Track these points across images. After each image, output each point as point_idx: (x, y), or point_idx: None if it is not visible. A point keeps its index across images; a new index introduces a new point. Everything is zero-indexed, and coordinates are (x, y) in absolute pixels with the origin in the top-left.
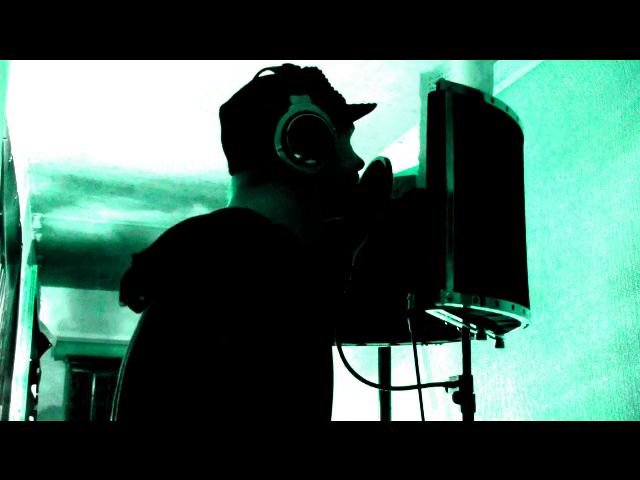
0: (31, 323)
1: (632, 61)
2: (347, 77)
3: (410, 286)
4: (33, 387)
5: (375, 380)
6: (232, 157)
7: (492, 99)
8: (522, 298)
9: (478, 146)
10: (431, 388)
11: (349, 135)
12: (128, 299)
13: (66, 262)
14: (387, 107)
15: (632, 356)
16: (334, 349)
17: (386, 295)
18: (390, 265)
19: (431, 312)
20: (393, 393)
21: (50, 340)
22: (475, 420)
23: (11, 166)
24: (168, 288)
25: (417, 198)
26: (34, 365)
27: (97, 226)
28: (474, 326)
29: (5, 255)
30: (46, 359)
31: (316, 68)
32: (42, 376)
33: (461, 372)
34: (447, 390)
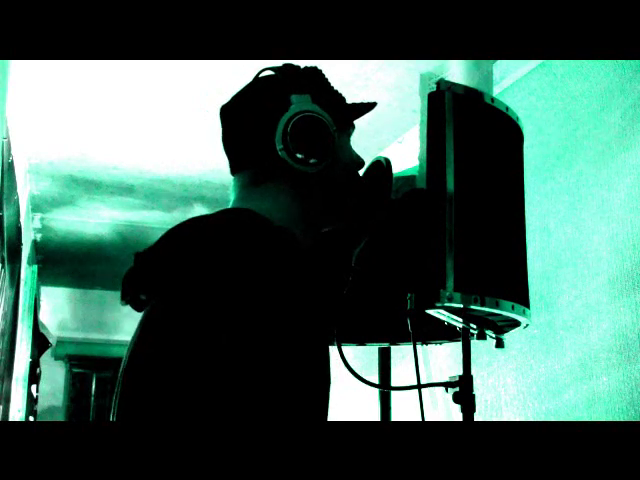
0: (31, 323)
1: (632, 61)
2: (347, 77)
3: (410, 286)
4: (33, 387)
5: (375, 380)
6: (233, 157)
7: (492, 99)
8: (522, 298)
9: (478, 146)
10: (431, 388)
11: (349, 134)
12: (129, 298)
13: (66, 262)
14: (387, 107)
15: (632, 356)
16: (334, 349)
17: (386, 295)
18: (390, 265)
19: (431, 312)
20: (393, 393)
21: (50, 340)
22: (475, 420)
23: (11, 166)
24: (169, 287)
25: (417, 198)
26: (34, 365)
27: (97, 226)
28: (474, 326)
29: (5, 255)
30: (46, 359)
31: (316, 68)
32: (42, 376)
33: (461, 372)
34: (447, 390)
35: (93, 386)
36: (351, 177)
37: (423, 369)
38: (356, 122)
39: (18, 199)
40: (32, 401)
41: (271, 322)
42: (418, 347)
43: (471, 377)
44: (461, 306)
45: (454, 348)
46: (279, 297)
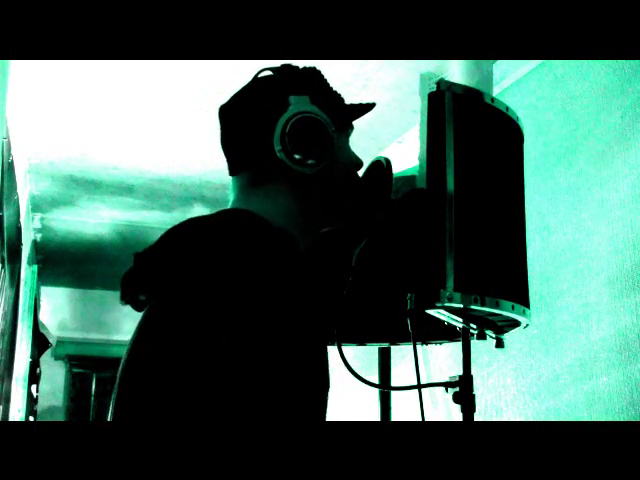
0: (31, 323)
1: (632, 61)
2: (347, 77)
3: (410, 286)
4: (33, 387)
5: (375, 380)
6: (232, 158)
7: (492, 99)
8: (522, 298)
9: (478, 146)
10: (431, 388)
11: (348, 135)
12: (129, 298)
13: (66, 262)
14: (387, 107)
15: (632, 356)
16: (334, 349)
17: (386, 295)
18: (390, 265)
19: (431, 312)
20: (393, 393)
21: (50, 340)
22: (475, 420)
23: (11, 166)
24: (168, 288)
25: (417, 198)
26: (34, 365)
27: (97, 226)
28: (474, 326)
29: (5, 255)
30: (46, 359)
31: (315, 68)
32: (42, 376)
33: (461, 372)
34: (447, 390)
35: (93, 386)
36: (350, 178)
37: (423, 369)
38: (356, 122)
39: (18, 199)
40: (32, 401)
41: (269, 323)
42: (418, 347)
43: (471, 377)
44: (461, 306)
45: (454, 348)
46: (277, 298)
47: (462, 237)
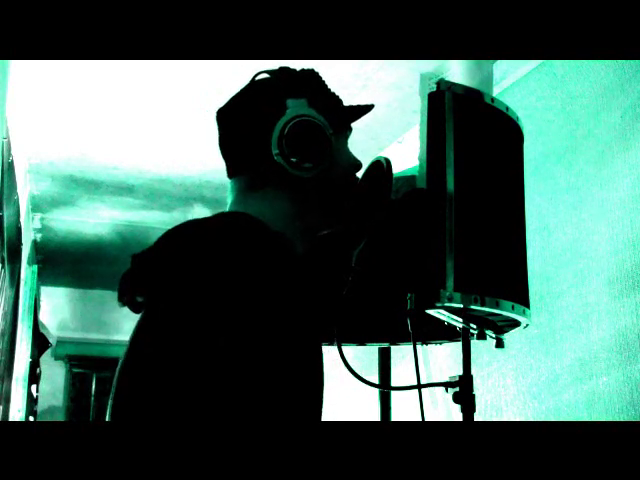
0: (31, 323)
1: (632, 61)
2: (347, 77)
3: (410, 286)
4: (33, 387)
5: (375, 380)
6: (230, 161)
7: (492, 99)
8: (522, 298)
9: (478, 146)
10: (431, 388)
11: (347, 137)
12: (126, 299)
13: (66, 262)
14: (387, 107)
15: (632, 356)
16: (334, 349)
17: (386, 295)
18: (390, 265)
19: (431, 312)
20: (393, 393)
21: (50, 340)
22: (475, 420)
23: (11, 166)
24: (166, 289)
25: (417, 198)
26: (34, 365)
27: (97, 226)
28: (474, 326)
29: (5, 255)
30: (46, 359)
31: (313, 70)
32: (42, 376)
33: (461, 372)
34: (447, 390)
35: (93, 386)
36: (349, 180)
37: (423, 369)
38: (356, 122)
39: (18, 199)
40: (32, 401)
41: (266, 323)
42: (418, 347)
43: (471, 377)
44: (461, 306)
45: (454, 348)
46: (275, 299)
47: (462, 237)
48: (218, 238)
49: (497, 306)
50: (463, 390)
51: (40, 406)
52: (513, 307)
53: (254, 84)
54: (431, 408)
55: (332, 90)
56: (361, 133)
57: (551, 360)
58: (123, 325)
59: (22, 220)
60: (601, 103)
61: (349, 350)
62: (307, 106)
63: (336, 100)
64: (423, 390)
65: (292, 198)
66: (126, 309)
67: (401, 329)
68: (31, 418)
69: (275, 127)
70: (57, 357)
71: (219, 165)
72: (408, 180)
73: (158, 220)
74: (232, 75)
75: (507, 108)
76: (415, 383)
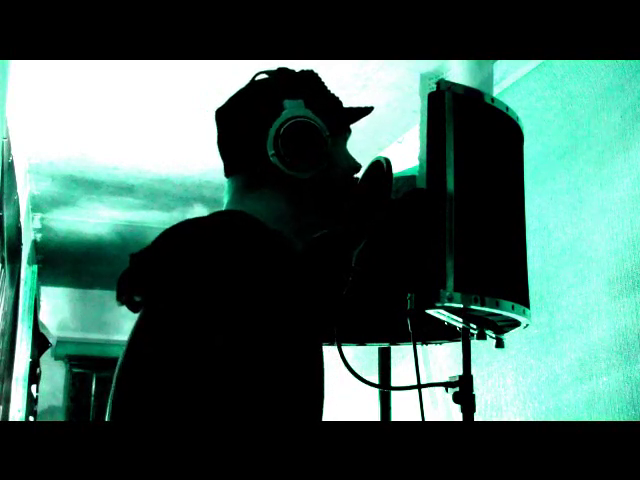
0: (31, 323)
1: (632, 61)
2: (347, 77)
3: (410, 286)
4: (33, 387)
5: (375, 380)
6: (227, 161)
7: (492, 99)
8: (522, 298)
9: (478, 146)
10: (431, 388)
11: (346, 139)
12: (124, 299)
13: (66, 262)
14: (387, 107)
15: (632, 356)
16: (334, 349)
17: (386, 295)
18: (390, 265)
19: (431, 312)
20: (393, 393)
21: (50, 340)
22: (475, 420)
23: (11, 166)
24: (164, 288)
25: (417, 198)
26: (34, 365)
27: (97, 226)
28: (474, 326)
29: (5, 255)
30: (46, 359)
31: (312, 71)
32: (42, 376)
33: (461, 372)
34: (447, 390)
35: (93, 386)
36: (346, 182)
37: (423, 369)
38: (356, 122)
39: (18, 199)
40: (32, 401)
41: (265, 323)
42: (418, 347)
43: (471, 377)
44: (461, 306)
45: (454, 348)
46: (273, 297)
47: (462, 237)
48: (215, 236)
49: (497, 306)
50: (463, 390)
51: (40, 406)
52: (513, 307)
53: (253, 84)
54: (431, 408)
55: (331, 91)
56: (361, 133)
57: (551, 360)
58: (123, 325)
59: (22, 220)
60: (601, 103)
61: (349, 350)
62: (304, 107)
63: (335, 101)
64: (423, 390)
65: (288, 199)
66: (126, 309)
67: (401, 329)
68: (31, 418)
69: (271, 128)
70: (57, 357)
71: (219, 165)
72: (408, 180)
73: (158, 220)
74: (232, 75)
75: (507, 108)
76: (415, 383)
